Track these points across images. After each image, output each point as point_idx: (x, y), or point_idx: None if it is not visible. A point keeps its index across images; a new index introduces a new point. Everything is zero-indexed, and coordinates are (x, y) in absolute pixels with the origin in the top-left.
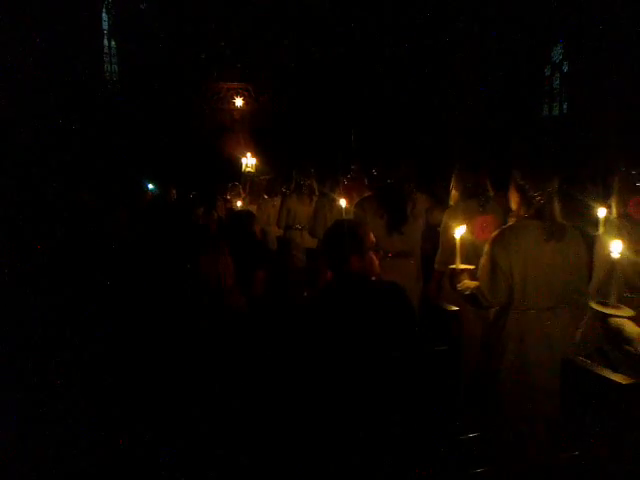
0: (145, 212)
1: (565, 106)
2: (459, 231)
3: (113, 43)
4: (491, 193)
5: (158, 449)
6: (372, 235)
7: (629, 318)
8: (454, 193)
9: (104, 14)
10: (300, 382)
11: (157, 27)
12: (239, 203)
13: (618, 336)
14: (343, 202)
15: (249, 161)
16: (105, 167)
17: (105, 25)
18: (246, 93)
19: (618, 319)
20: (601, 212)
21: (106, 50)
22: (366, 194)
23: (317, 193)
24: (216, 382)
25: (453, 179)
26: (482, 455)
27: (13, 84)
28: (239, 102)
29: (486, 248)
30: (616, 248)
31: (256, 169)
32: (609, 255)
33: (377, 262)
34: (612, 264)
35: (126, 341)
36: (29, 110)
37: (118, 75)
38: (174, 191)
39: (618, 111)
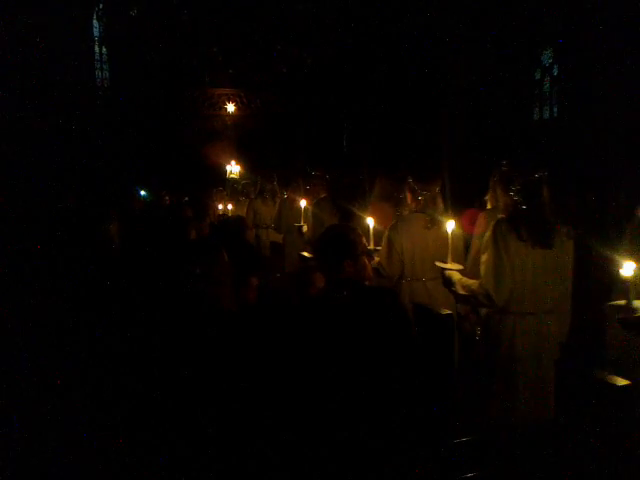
0: (138, 218)
1: (555, 109)
2: (370, 221)
3: (104, 49)
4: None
5: (158, 449)
6: (364, 239)
7: (458, 270)
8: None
9: (95, 21)
10: (297, 384)
11: (148, 33)
12: (220, 206)
13: (448, 282)
14: (303, 202)
15: (233, 168)
16: (96, 173)
17: (96, 32)
18: (238, 99)
19: (449, 271)
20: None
21: (97, 57)
22: (322, 195)
23: (279, 195)
24: (213, 384)
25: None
26: (481, 456)
27: (3, 91)
28: (231, 108)
29: (385, 233)
30: (450, 226)
31: (240, 175)
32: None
33: (370, 266)
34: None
35: (122, 343)
36: (19, 116)
37: (109, 81)
38: (167, 197)
39: (608, 114)
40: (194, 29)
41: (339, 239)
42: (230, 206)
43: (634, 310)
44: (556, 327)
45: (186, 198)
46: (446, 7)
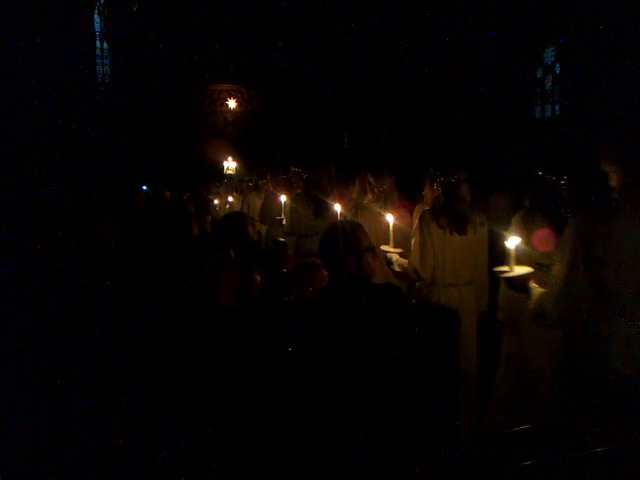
0: (140, 214)
1: (557, 108)
2: (337, 207)
3: (105, 45)
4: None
5: (158, 449)
6: (369, 236)
7: (398, 254)
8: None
9: (96, 16)
10: (298, 383)
11: (149, 29)
12: (216, 201)
13: (389, 262)
14: (283, 197)
15: (230, 165)
16: (97, 168)
17: (97, 27)
18: (239, 95)
19: (390, 254)
20: None
21: (98, 52)
22: (299, 190)
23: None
24: (215, 383)
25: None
26: (482, 455)
27: (3, 86)
28: (232, 104)
29: (349, 218)
30: (390, 218)
31: (237, 172)
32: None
33: (374, 263)
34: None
35: (122, 342)
36: (19, 111)
37: (110, 77)
38: (168, 193)
39: (611, 112)
40: (195, 25)
41: (343, 235)
42: (231, 198)
43: (514, 272)
44: (475, 295)
45: (187, 194)
46: (448, 5)
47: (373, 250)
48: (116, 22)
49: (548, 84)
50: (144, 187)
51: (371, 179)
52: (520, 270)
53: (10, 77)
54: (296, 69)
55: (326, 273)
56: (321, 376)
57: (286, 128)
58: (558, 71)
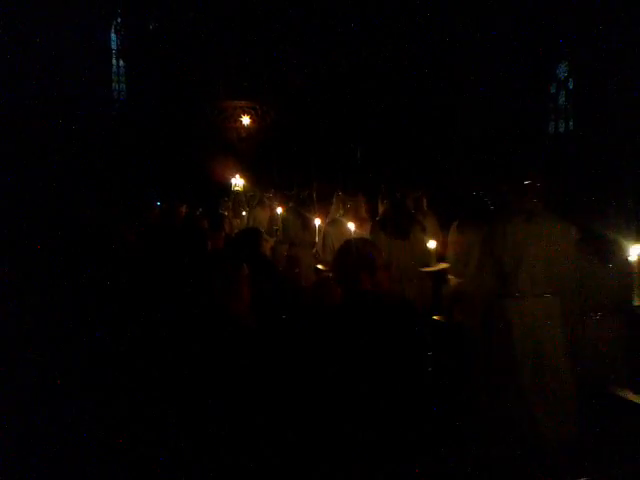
0: (155, 229)
1: (571, 123)
2: (317, 221)
3: (121, 62)
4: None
5: (158, 449)
6: (383, 253)
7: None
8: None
9: (113, 34)
10: (307, 395)
11: (165, 47)
12: (225, 213)
13: None
14: (279, 209)
15: (238, 181)
16: (112, 184)
17: (113, 45)
18: (253, 111)
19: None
20: None
21: (114, 69)
22: (290, 204)
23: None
24: (221, 391)
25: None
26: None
27: (23, 102)
28: (246, 120)
29: (322, 230)
30: (351, 226)
31: (244, 188)
32: None
33: (387, 279)
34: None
35: (130, 347)
36: (38, 128)
37: (126, 94)
38: (181, 208)
39: (624, 126)
40: (210, 42)
41: (357, 252)
42: (244, 213)
43: (433, 267)
44: (419, 289)
45: (200, 209)
46: (462, 21)
47: (387, 267)
48: (132, 40)
49: (561, 99)
50: (158, 203)
51: (343, 196)
52: (439, 266)
53: (27, 94)
54: (309, 86)
55: (340, 289)
56: (330, 387)
57: (299, 145)
58: (571, 86)
